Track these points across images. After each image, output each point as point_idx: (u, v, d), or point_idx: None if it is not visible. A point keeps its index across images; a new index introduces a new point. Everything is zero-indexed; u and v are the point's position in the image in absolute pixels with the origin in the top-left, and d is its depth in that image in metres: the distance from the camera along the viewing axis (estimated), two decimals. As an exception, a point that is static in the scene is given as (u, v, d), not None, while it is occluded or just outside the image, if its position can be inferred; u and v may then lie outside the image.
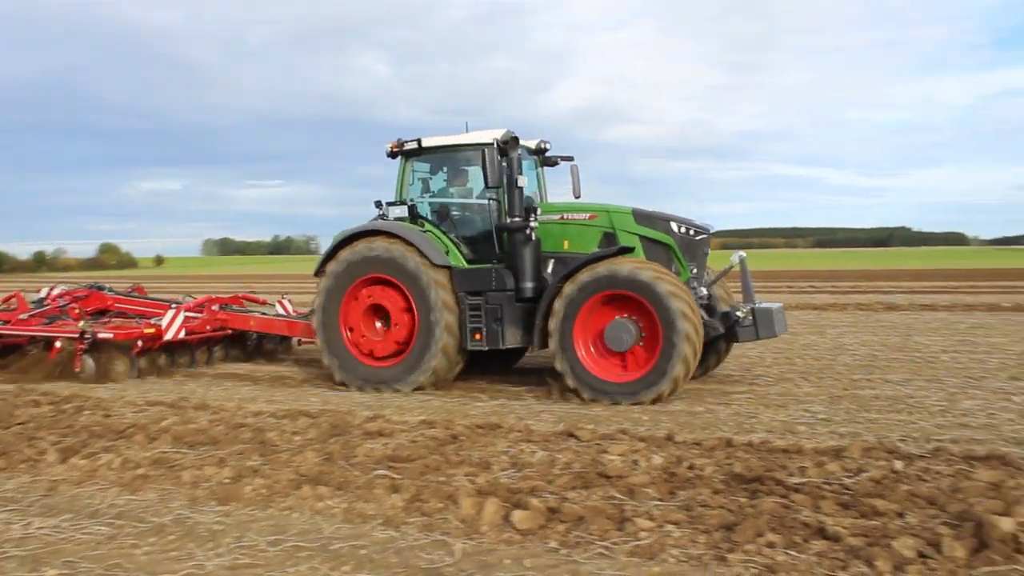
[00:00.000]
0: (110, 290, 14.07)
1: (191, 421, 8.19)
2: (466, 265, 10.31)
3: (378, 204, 11.09)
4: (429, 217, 10.83)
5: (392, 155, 10.96)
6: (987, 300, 23.97)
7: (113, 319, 12.68)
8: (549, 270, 10.19)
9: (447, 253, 10.27)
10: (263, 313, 13.29)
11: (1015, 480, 5.60)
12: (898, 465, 5.96)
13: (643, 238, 9.95)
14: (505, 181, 9.94)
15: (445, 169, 11.11)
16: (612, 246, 9.76)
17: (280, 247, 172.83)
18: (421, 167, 11.18)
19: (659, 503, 5.33)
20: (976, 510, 4.83)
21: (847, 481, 5.61)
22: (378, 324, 10.60)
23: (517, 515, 5.15)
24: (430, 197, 11.07)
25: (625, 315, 9.15)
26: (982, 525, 4.56)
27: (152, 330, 11.45)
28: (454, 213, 10.92)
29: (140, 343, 11.38)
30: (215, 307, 12.66)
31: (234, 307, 13.16)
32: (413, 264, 9.99)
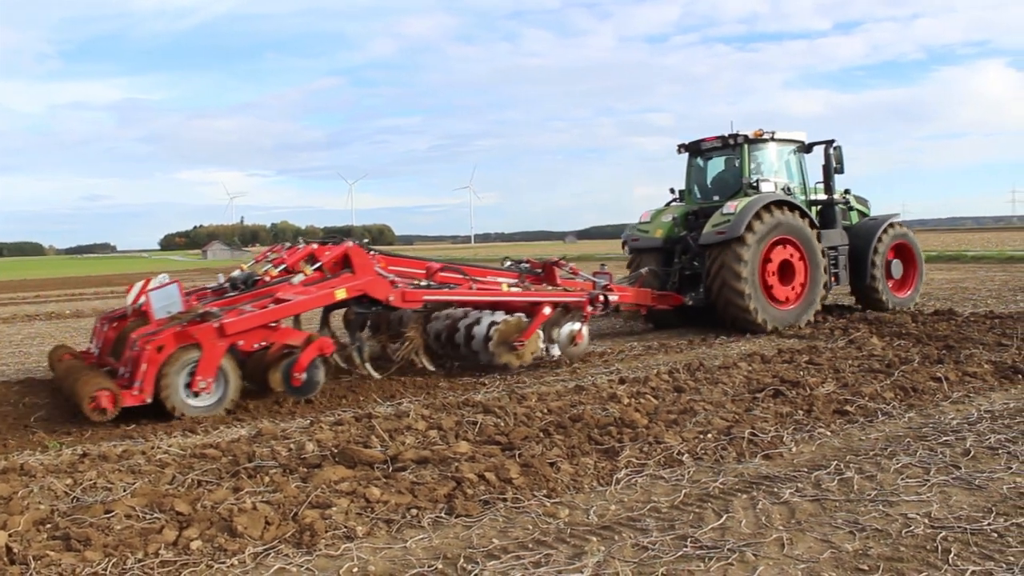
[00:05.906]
0: None
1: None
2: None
3: (672, 191, 14.70)
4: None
5: (733, 144, 13.63)
6: (51, 309, 24.17)
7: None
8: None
9: None
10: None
11: (29, 488, 5.66)
12: None
13: (860, 212, 15.39)
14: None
15: (772, 158, 14.03)
16: (847, 221, 14.82)
17: None
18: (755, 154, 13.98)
19: None
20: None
21: None
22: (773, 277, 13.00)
23: None
24: (775, 178, 13.84)
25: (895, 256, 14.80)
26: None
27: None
28: (793, 193, 13.94)
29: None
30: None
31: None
32: (810, 230, 13.14)
